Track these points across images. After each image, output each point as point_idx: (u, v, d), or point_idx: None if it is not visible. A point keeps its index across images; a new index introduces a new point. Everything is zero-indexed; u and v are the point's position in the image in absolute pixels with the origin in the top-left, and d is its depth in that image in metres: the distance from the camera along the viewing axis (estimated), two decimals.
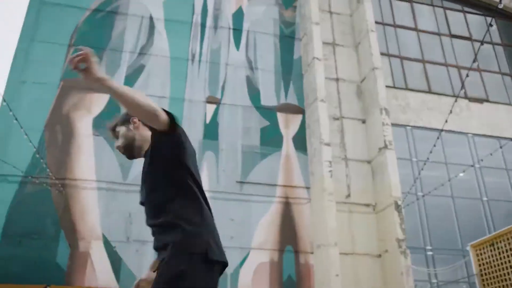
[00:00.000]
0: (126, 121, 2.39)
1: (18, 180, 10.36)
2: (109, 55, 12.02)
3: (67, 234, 10.13)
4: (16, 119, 9.08)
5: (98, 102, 11.43)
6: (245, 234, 10.84)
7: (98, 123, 11.17)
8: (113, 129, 2.44)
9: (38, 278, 9.65)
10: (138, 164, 10.84)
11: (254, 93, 12.55)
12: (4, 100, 9.50)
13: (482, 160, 12.37)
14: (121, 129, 2.37)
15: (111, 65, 11.89)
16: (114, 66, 11.89)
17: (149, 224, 2.19)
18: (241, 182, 11.39)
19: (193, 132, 11.53)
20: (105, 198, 10.59)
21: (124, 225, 10.41)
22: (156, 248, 2.10)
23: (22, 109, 10.76)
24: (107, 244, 10.20)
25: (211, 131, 11.76)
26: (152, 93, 11.76)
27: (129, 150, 2.34)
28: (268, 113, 12.35)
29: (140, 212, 10.09)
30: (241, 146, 11.78)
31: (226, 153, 11.58)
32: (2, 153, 10.40)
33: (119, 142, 2.33)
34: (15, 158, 10.36)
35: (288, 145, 12.10)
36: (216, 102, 12.11)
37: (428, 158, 10.91)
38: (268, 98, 12.57)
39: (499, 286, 9.29)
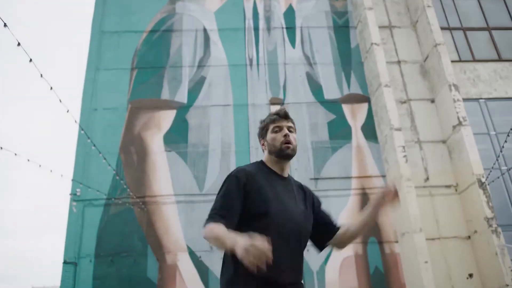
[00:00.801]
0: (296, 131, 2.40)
1: (102, 203, 10.92)
2: (170, 72, 12.38)
3: (154, 249, 10.54)
4: (94, 145, 9.58)
5: (166, 118, 11.81)
6: None
7: (168, 139, 11.55)
8: (288, 118, 2.41)
9: None
10: (212, 175, 11.07)
11: (316, 88, 12.45)
12: (81, 128, 10.06)
13: None
14: (295, 133, 2.39)
15: (173, 81, 12.25)
16: (176, 82, 12.24)
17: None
18: (315, 179, 11.32)
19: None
20: (185, 210, 10.91)
21: None
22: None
23: (97, 135, 11.35)
24: (192, 255, 10.50)
25: None
26: (216, 102, 11.99)
27: (293, 154, 2.33)
28: (333, 106, 12.20)
29: None
30: (310, 143, 11.71)
31: (296, 151, 11.52)
32: (85, 180, 11.00)
33: (292, 139, 2.30)
34: (97, 183, 10.93)
35: (357, 136, 11.88)
36: (279, 102, 12.13)
37: (511, 129, 10.30)
38: (331, 91, 12.42)
39: None
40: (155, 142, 11.57)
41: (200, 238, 10.63)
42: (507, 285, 9.63)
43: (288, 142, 2.23)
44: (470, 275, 10.53)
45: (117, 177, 10.93)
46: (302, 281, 2.09)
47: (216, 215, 2.17)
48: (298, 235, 2.10)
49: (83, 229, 10.72)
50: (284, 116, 2.36)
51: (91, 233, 10.68)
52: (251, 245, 1.75)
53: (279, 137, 2.24)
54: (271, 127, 2.31)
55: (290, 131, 2.32)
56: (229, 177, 2.24)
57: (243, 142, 11.54)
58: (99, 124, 11.69)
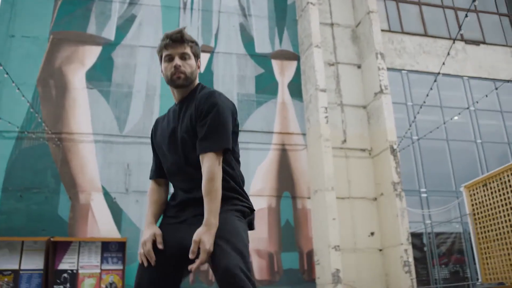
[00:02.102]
0: (197, 56, 2.18)
1: (15, 136, 10.36)
2: (99, 6, 11.72)
3: (67, 187, 10.26)
4: (7, 73, 8.96)
5: (90, 54, 11.27)
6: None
7: (91, 76, 11.07)
8: (183, 42, 2.09)
9: (41, 230, 9.87)
10: (134, 117, 10.86)
11: (248, 40, 12.37)
12: None
13: (477, 102, 12.39)
14: (192, 58, 2.11)
15: (101, 16, 11.63)
16: (104, 17, 11.63)
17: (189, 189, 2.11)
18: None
19: None
20: (103, 150, 10.65)
21: (123, 177, 10.52)
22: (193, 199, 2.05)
23: (13, 63, 10.62)
24: (107, 195, 10.36)
25: (205, 80, 11.66)
26: (145, 43, 11.58)
27: (187, 83, 2.10)
28: (263, 60, 12.22)
29: (138, 164, 10.17)
30: (236, 95, 11.73)
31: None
32: None
33: (186, 68, 2.06)
34: (9, 114, 10.30)
35: (283, 92, 12.06)
36: (210, 51, 11.95)
37: (424, 102, 10.91)
38: (263, 45, 12.41)
39: (490, 225, 9.54)
40: (77, 77, 11.04)
41: (116, 179, 10.51)
42: (402, 244, 10.48)
43: (181, 73, 2.04)
44: (372, 233, 11.32)
45: (32, 110, 10.37)
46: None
47: (150, 170, 2.32)
48: (177, 170, 2.11)
49: None
50: (177, 40, 2.06)
51: (0, 165, 10.16)
52: (143, 243, 1.98)
53: (170, 67, 2.04)
54: (163, 55, 2.09)
55: (184, 58, 2.06)
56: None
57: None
58: (16, 52, 10.92)
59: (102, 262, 10.01)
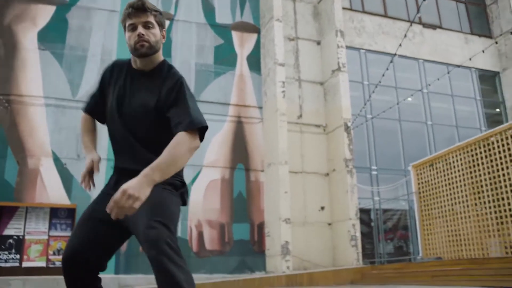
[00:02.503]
0: (162, 26, 2.15)
1: None
2: None
3: (14, 151, 9.92)
4: None
5: (43, 14, 10.79)
6: (197, 152, 10.93)
7: (43, 37, 10.63)
8: (145, 11, 2.04)
9: None
10: (88, 81, 10.58)
11: (209, 10, 12.16)
12: None
13: (429, 85, 12.78)
14: (156, 27, 2.08)
15: None
16: None
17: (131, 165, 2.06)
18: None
19: None
20: (54, 115, 10.33)
21: (74, 143, 10.28)
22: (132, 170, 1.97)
23: None
24: (57, 161, 10.10)
25: (163, 48, 11.38)
26: (102, 6, 11.19)
27: (151, 52, 2.08)
28: (223, 31, 12.08)
29: None
30: (194, 65, 11.59)
31: (179, 71, 11.30)
32: None
33: (150, 36, 2.03)
34: None
35: (242, 65, 12.00)
36: (169, 18, 11.68)
37: (380, 82, 11.15)
38: (224, 16, 12.24)
39: (434, 203, 9.99)
40: (28, 38, 10.57)
41: (68, 144, 10.25)
42: (350, 219, 10.81)
43: (145, 41, 2.00)
44: (322, 208, 11.61)
45: None
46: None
47: (87, 103, 2.33)
48: (127, 131, 2.10)
49: None
50: (139, 8, 2.01)
51: None
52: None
53: (133, 36, 2.00)
54: (126, 24, 2.04)
55: (147, 27, 2.03)
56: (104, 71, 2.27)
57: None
58: None
59: (50, 228, 9.83)
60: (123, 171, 2.08)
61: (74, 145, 10.27)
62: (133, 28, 2.03)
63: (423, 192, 10.38)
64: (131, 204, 1.66)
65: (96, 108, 2.27)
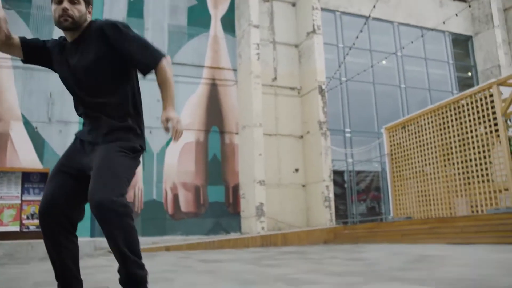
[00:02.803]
0: (88, 3, 2.13)
1: None
2: None
3: None
4: None
5: None
6: None
7: None
8: None
9: None
10: None
11: None
12: None
13: (403, 48, 12.85)
14: (82, 4, 2.07)
15: None
16: None
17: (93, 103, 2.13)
18: None
19: (116, 10, 10.90)
20: (22, 77, 10.05)
21: (45, 106, 10.06)
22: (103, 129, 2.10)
23: None
24: (27, 125, 9.90)
25: (135, 8, 11.15)
26: None
27: (74, 27, 2.06)
28: None
29: (61, 93, 9.76)
30: (167, 26, 11.33)
31: (152, 32, 11.13)
32: None
33: (74, 12, 2.03)
34: None
35: (216, 26, 11.80)
36: None
37: (354, 44, 11.15)
38: None
39: (405, 164, 10.21)
40: None
41: (38, 108, 10.03)
42: (324, 180, 10.99)
43: (69, 17, 2.01)
44: (297, 170, 11.75)
45: None
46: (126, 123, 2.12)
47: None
48: (77, 92, 2.16)
49: None
50: None
51: None
52: None
53: (58, 9, 2.01)
54: None
55: (72, 2, 2.04)
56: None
57: (95, 12, 10.71)
58: None
59: (23, 192, 9.72)
60: (93, 121, 2.13)
61: (45, 109, 10.05)
62: (59, 1, 2.03)
63: (395, 154, 10.58)
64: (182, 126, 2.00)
65: (30, 48, 2.20)
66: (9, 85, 9.94)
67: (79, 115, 2.22)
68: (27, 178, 9.78)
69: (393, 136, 10.69)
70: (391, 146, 10.73)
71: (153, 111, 10.76)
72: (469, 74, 15.58)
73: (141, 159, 2.20)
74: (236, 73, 11.68)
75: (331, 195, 11.01)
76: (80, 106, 2.18)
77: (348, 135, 12.94)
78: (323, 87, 11.44)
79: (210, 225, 10.80)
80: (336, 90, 12.60)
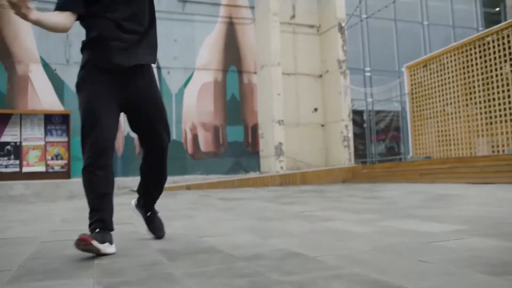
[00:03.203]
0: None
1: None
2: None
3: (1, 57, 9.71)
4: None
5: None
6: (189, 55, 10.79)
7: None
8: None
9: None
10: None
11: None
12: None
13: None
14: None
15: None
16: None
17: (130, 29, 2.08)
18: (183, 1, 10.92)
19: None
20: None
21: (62, 47, 10.05)
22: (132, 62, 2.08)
23: None
24: (46, 67, 9.94)
25: None
26: None
27: None
28: None
29: (78, 34, 9.69)
30: None
31: None
32: None
33: None
34: None
35: None
36: None
37: None
38: None
39: (426, 104, 10.07)
40: None
41: (56, 50, 10.02)
42: (343, 120, 10.94)
43: None
44: (315, 109, 11.69)
45: None
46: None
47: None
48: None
49: None
50: None
51: None
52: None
53: None
54: None
55: None
56: None
57: None
58: None
59: (46, 134, 9.94)
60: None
61: (63, 51, 10.04)
62: None
63: (415, 93, 10.42)
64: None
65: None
66: (26, 27, 9.90)
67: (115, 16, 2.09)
68: (49, 120, 9.96)
69: (414, 75, 10.47)
70: (412, 85, 10.55)
71: (170, 51, 10.70)
72: (497, 9, 14.93)
73: None
74: (253, 11, 11.39)
75: (350, 135, 11.00)
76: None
77: (368, 74, 12.73)
78: (343, 24, 11.12)
79: (229, 164, 10.96)
80: (356, 27, 12.25)
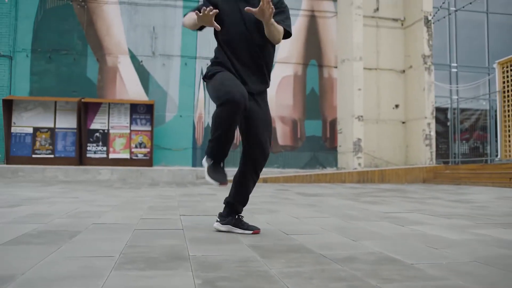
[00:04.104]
0: None
1: None
2: None
3: (94, 49, 10.30)
4: None
5: None
6: None
7: None
8: None
9: (72, 91, 10.14)
10: None
11: None
12: None
13: None
14: None
15: None
16: None
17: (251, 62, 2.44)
18: None
19: None
20: (128, 12, 10.46)
21: (149, 40, 10.46)
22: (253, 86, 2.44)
23: None
24: (133, 58, 10.40)
25: None
26: None
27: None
28: None
29: (163, 27, 10.02)
30: None
31: None
32: None
33: None
34: None
35: None
36: None
37: None
38: None
39: None
40: None
41: (143, 42, 10.46)
42: (426, 117, 10.50)
43: None
44: (397, 106, 11.32)
45: None
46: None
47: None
48: (245, 46, 2.42)
49: (17, 21, 10.14)
50: None
51: (26, 26, 10.15)
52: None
53: None
54: None
55: None
56: None
57: None
58: None
59: (131, 123, 10.41)
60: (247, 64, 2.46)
61: (149, 43, 10.46)
62: None
63: (508, 91, 9.77)
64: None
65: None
66: (116, 20, 10.42)
67: (234, 49, 2.44)
68: (135, 109, 10.42)
69: (507, 71, 9.81)
70: (503, 82, 9.89)
71: None
72: None
73: None
74: (336, 4, 11.21)
75: (433, 133, 10.54)
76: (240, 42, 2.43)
77: (454, 70, 12.11)
78: (429, 18, 10.66)
79: (306, 158, 10.90)
80: (443, 21, 11.68)
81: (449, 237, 2.25)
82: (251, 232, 2.36)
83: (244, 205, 2.47)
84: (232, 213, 2.43)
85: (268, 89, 2.54)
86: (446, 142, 12.30)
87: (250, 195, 2.51)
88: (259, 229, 2.39)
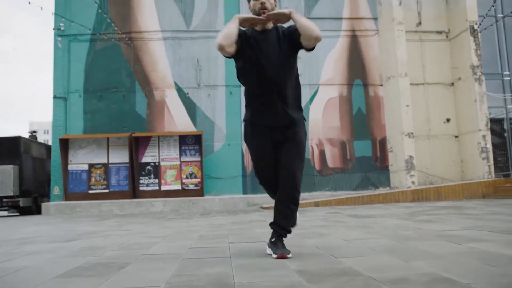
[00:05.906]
0: None
1: (88, 39, 10.71)
2: None
3: (141, 85, 10.65)
4: None
5: None
6: (313, 71, 10.83)
7: None
8: None
9: (123, 127, 10.49)
10: (199, 11, 10.78)
11: None
12: None
13: None
14: None
15: None
16: None
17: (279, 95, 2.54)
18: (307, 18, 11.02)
19: None
20: (172, 47, 10.78)
21: (193, 72, 10.71)
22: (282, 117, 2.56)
23: None
24: (180, 91, 10.67)
25: None
26: None
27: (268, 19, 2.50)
28: None
29: (207, 58, 10.27)
30: None
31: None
32: (68, 14, 10.66)
33: (268, 5, 2.49)
34: (81, 17, 10.61)
35: None
36: None
37: None
38: None
39: None
40: None
41: (188, 75, 10.72)
42: (480, 130, 10.11)
43: (264, 8, 2.49)
44: (448, 120, 10.97)
45: (100, 11, 10.56)
46: (294, 121, 2.56)
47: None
48: (271, 86, 2.51)
49: (70, 64, 10.66)
50: None
51: (78, 68, 10.65)
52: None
53: (257, 4, 2.50)
54: None
55: None
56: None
57: None
58: None
59: (181, 154, 10.61)
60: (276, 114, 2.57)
61: (194, 75, 10.70)
62: None
63: None
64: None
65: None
66: (161, 56, 10.76)
67: (262, 93, 2.55)
68: (184, 140, 10.62)
69: None
70: None
71: None
72: None
73: None
74: (376, 21, 11.12)
75: (489, 146, 10.11)
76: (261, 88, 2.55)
77: (507, 78, 11.64)
78: (476, 27, 10.36)
79: (357, 180, 10.69)
80: (490, 29, 11.32)
81: (509, 253, 2.11)
82: (275, 256, 2.32)
83: (284, 227, 2.49)
84: (273, 234, 2.50)
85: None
86: (504, 154, 11.75)
87: (301, 220, 2.60)
88: (287, 253, 2.33)
